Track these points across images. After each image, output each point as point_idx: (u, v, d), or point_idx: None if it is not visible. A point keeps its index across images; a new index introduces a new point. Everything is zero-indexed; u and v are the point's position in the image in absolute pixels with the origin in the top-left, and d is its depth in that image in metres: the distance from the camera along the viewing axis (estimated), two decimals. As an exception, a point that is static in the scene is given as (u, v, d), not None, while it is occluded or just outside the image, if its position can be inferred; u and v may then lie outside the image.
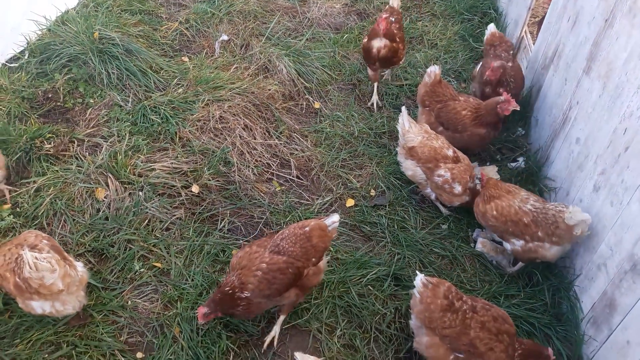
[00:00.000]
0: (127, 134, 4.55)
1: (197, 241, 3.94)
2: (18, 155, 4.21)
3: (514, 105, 4.34)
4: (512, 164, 4.79)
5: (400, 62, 5.31)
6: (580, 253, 3.71)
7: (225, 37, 5.81)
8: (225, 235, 4.06)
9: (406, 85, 5.66)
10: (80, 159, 4.33)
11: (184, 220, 4.09)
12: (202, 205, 4.22)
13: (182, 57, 5.59)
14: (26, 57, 5.14)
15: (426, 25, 6.52)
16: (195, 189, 4.27)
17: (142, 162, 4.33)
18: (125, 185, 4.16)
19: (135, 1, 6.11)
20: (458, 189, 4.17)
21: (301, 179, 4.64)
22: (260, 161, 4.67)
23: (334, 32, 6.35)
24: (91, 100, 4.88)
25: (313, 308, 3.64)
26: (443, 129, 4.63)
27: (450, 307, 3.12)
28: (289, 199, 4.41)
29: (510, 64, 4.89)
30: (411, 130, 4.29)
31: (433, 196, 4.38)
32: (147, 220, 4.01)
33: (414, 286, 3.22)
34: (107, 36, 5.13)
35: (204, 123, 4.75)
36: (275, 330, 3.44)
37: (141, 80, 5.02)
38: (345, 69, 5.83)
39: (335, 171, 4.74)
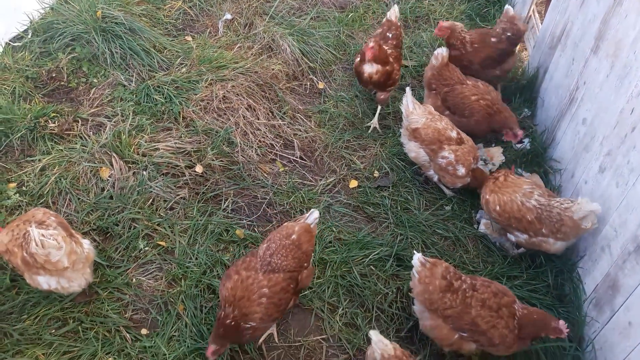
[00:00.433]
0: (131, 114, 4.55)
1: (201, 220, 3.96)
2: (22, 133, 4.22)
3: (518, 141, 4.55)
4: (517, 145, 4.75)
5: (397, 84, 4.89)
6: (584, 235, 3.69)
7: (228, 16, 5.76)
8: (229, 215, 4.08)
9: (412, 65, 5.59)
10: (85, 138, 4.35)
11: (188, 199, 4.10)
12: (205, 185, 4.23)
13: (186, 37, 5.55)
14: (29, 37, 5.12)
15: (432, 4, 6.42)
16: (199, 169, 4.28)
17: (145, 142, 4.33)
18: (130, 165, 4.17)
19: (138, -21, 6.05)
20: (462, 171, 4.14)
21: (304, 160, 4.64)
22: (264, 141, 4.67)
23: (338, 11, 6.26)
24: (95, 80, 4.87)
25: (316, 287, 3.66)
26: (449, 113, 4.57)
27: (449, 287, 3.12)
28: (292, 179, 4.41)
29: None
30: (415, 111, 4.25)
31: (436, 178, 4.36)
32: (151, 200, 4.03)
33: (413, 266, 3.23)
34: (110, 15, 5.10)
35: (208, 103, 4.73)
36: (273, 328, 3.40)
37: (144, 59, 5.00)
38: (350, 48, 5.77)
39: (338, 152, 4.73)
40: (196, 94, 4.76)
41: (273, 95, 5.03)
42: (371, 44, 4.48)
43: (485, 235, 4.14)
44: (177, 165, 4.25)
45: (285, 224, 3.23)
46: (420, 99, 4.73)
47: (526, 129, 4.96)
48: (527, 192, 3.73)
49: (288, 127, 4.84)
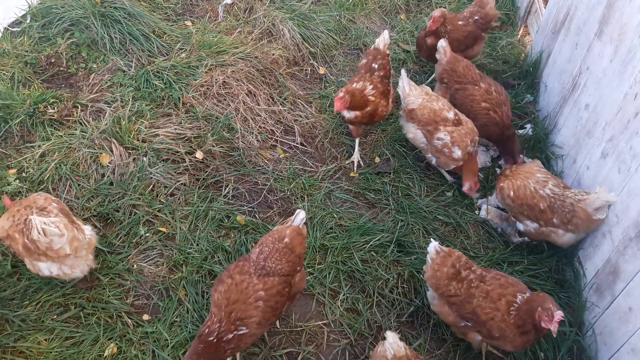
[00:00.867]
0: (131, 100, 4.52)
1: (201, 207, 3.95)
2: (21, 119, 4.20)
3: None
4: (519, 130, 4.73)
5: (384, 118, 4.48)
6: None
7: (228, 1, 5.70)
8: (230, 201, 4.07)
9: (413, 50, 5.54)
10: (84, 124, 4.32)
11: (189, 186, 4.09)
12: (206, 171, 4.22)
13: (185, 21, 5.50)
14: (28, 21, 5.07)
15: (435, -11, 6.35)
16: (199, 155, 4.26)
17: (145, 128, 4.31)
18: (130, 151, 4.16)
19: (137, -37, 5.98)
20: (457, 153, 4.08)
21: (305, 146, 4.62)
22: (264, 127, 4.64)
23: (339, -4, 6.19)
24: (94, 65, 4.83)
25: (317, 273, 3.67)
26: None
27: (456, 275, 3.14)
28: (293, 165, 4.40)
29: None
30: (411, 93, 4.21)
31: (434, 161, 4.33)
32: (151, 186, 4.02)
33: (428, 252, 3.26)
34: (109, -1, 5.05)
35: (208, 88, 4.70)
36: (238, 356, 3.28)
37: (144, 44, 4.96)
38: (351, 33, 5.72)
39: (339, 138, 4.71)
40: (196, 80, 4.73)
41: (273, 80, 5.00)
42: (340, 94, 4.01)
43: (487, 221, 4.13)
44: (177, 152, 4.23)
45: (276, 227, 3.16)
46: (418, 83, 4.68)
47: (528, 114, 4.94)
48: (541, 180, 3.69)
49: (289, 112, 4.81)
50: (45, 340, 3.17)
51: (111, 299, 3.40)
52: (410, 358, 2.74)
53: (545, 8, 5.25)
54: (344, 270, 3.70)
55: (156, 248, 3.73)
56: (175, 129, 4.37)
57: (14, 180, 3.88)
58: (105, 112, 4.41)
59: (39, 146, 4.11)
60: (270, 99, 4.86)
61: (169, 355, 3.16)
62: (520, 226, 3.82)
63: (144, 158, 4.12)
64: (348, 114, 4.24)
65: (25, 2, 5.14)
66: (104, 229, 3.78)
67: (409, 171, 4.45)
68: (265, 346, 3.33)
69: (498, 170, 4.49)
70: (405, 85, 4.23)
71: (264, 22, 5.44)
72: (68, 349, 3.15)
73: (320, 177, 4.35)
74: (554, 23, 4.87)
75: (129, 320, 3.33)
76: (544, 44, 5.07)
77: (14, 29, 5.02)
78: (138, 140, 4.23)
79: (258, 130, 4.59)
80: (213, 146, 4.33)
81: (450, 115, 4.13)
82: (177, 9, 5.67)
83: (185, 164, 4.19)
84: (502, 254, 3.88)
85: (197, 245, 3.73)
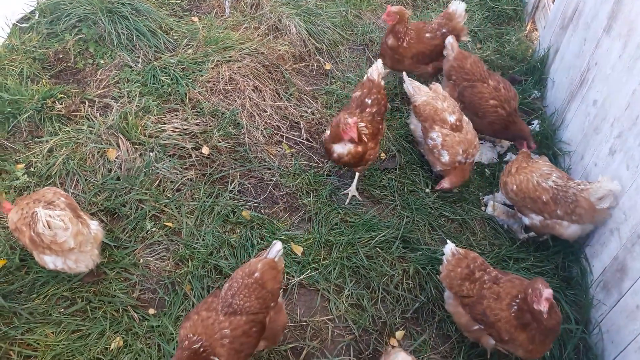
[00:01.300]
0: (137, 95, 4.54)
1: (207, 202, 3.96)
2: (29, 114, 4.23)
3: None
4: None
5: (369, 163, 4.01)
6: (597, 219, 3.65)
7: (235, -4, 5.70)
8: (236, 196, 4.08)
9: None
10: (92, 119, 4.35)
11: (195, 181, 4.11)
12: (212, 167, 4.23)
13: (192, 17, 5.51)
14: (36, 17, 5.11)
15: (442, -16, 6.31)
16: (205, 150, 4.28)
17: (152, 123, 4.33)
18: (136, 146, 4.18)
19: (144, -41, 5.99)
20: (445, 158, 4.02)
21: (311, 142, 4.62)
22: (270, 123, 4.65)
23: (346, -9, 6.18)
24: (101, 61, 4.86)
25: (321, 269, 3.67)
26: (464, 107, 4.37)
27: (469, 276, 3.14)
28: (298, 161, 4.40)
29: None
30: (416, 93, 4.19)
31: (426, 156, 4.31)
32: (158, 181, 4.04)
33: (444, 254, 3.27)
34: (116, -5, 5.07)
35: (214, 84, 4.71)
36: None
37: (151, 40, 4.97)
38: (357, 29, 5.70)
39: (346, 134, 4.69)
40: (202, 75, 4.74)
41: (279, 76, 5.00)
42: (351, 120, 3.61)
43: (493, 217, 4.11)
44: (184, 147, 4.25)
45: (250, 260, 2.97)
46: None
47: (535, 110, 4.90)
48: (545, 174, 3.68)
49: (294, 108, 4.81)
50: (53, 333, 3.20)
51: (117, 293, 3.42)
52: None
53: (553, 3, 5.21)
54: (349, 266, 3.70)
55: (162, 243, 3.74)
56: (182, 124, 4.39)
57: (22, 175, 3.92)
58: (113, 108, 4.43)
59: (46, 141, 4.14)
60: (276, 95, 4.86)
61: (174, 349, 3.18)
62: (526, 220, 3.80)
63: (151, 153, 4.14)
64: (341, 149, 3.75)
65: (34, -2, 5.18)
66: (110, 223, 3.80)
67: (415, 167, 4.44)
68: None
69: (504, 166, 4.47)
70: (409, 88, 4.21)
71: (271, 17, 5.44)
72: (75, 341, 3.18)
73: (325, 172, 4.35)
74: (562, 18, 4.83)
75: (135, 314, 3.35)
76: (551, 40, 5.03)
77: (23, 25, 5.06)
78: (145, 135, 4.25)
79: (264, 126, 4.59)
80: (219, 142, 4.34)
81: (451, 118, 4.03)
82: (184, 4, 5.68)
83: (191, 160, 4.21)
84: (508, 251, 3.86)
85: (203, 240, 3.75)
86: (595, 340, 3.36)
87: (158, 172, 4.07)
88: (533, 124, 4.74)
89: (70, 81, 4.73)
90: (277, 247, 2.93)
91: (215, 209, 3.94)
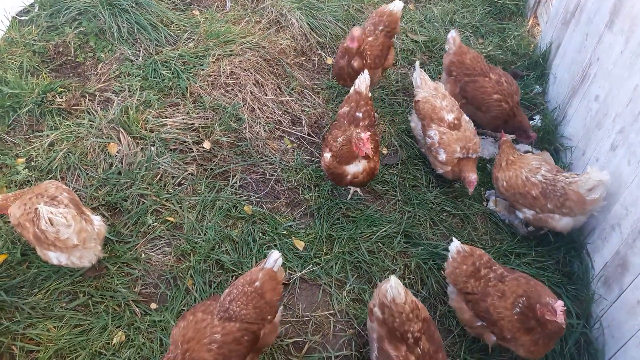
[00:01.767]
0: (138, 89, 4.52)
1: (209, 196, 3.96)
2: (29, 108, 4.21)
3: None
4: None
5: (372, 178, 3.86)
6: (593, 213, 3.66)
7: (236, -10, 5.67)
8: (237, 191, 4.07)
9: (422, 41, 5.50)
10: (92, 113, 4.33)
11: (196, 175, 4.10)
12: (213, 162, 4.22)
13: (193, 11, 5.48)
14: (36, 10, 5.08)
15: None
16: (206, 145, 4.27)
17: (153, 118, 4.32)
18: (137, 141, 4.17)
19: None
20: (442, 156, 4.01)
21: (312, 137, 4.61)
22: (272, 118, 4.63)
23: (348, -15, 6.15)
24: (102, 55, 4.83)
25: (323, 263, 3.67)
26: (466, 102, 4.39)
27: (474, 273, 3.15)
28: (300, 156, 4.39)
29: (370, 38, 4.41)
30: (422, 85, 4.20)
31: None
32: (159, 176, 4.03)
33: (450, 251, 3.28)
34: (117, -12, 5.04)
35: (215, 78, 4.69)
36: None
37: (151, 34, 4.95)
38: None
39: (347, 128, 4.68)
40: (203, 69, 4.72)
41: (281, 70, 4.98)
42: (364, 136, 3.42)
43: (494, 212, 4.12)
44: (185, 141, 4.24)
45: (252, 269, 2.95)
46: (430, 76, 4.64)
47: (537, 105, 4.90)
48: (534, 168, 3.71)
49: (296, 103, 4.80)
50: (55, 327, 3.21)
51: (119, 288, 3.43)
52: (411, 308, 2.70)
53: (555, -2, 5.19)
54: (350, 261, 3.71)
55: (164, 237, 3.74)
56: (183, 118, 4.37)
57: (23, 169, 3.91)
58: (113, 102, 4.42)
59: (47, 135, 4.12)
60: (278, 89, 4.85)
61: (176, 343, 3.18)
62: (520, 215, 3.82)
63: (152, 148, 4.13)
64: (355, 168, 3.61)
65: (33, -9, 5.15)
66: (112, 218, 3.80)
67: (417, 162, 4.44)
68: (272, 335, 3.34)
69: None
70: (418, 79, 4.20)
71: (272, 11, 5.41)
72: (77, 336, 3.18)
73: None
74: (564, 14, 4.82)
75: (137, 309, 3.35)
76: (553, 35, 5.02)
77: (22, 18, 5.03)
78: (146, 129, 4.24)
79: (265, 120, 4.58)
80: (220, 136, 4.33)
81: (449, 117, 4.02)
82: (184, -2, 5.65)
83: (192, 154, 4.20)
84: (509, 246, 3.87)
85: (205, 234, 3.75)
86: (596, 335, 3.37)
87: (159, 167, 4.06)
88: (535, 119, 4.74)
89: (71, 75, 4.71)
90: (274, 256, 2.88)
91: (216, 204, 3.94)
